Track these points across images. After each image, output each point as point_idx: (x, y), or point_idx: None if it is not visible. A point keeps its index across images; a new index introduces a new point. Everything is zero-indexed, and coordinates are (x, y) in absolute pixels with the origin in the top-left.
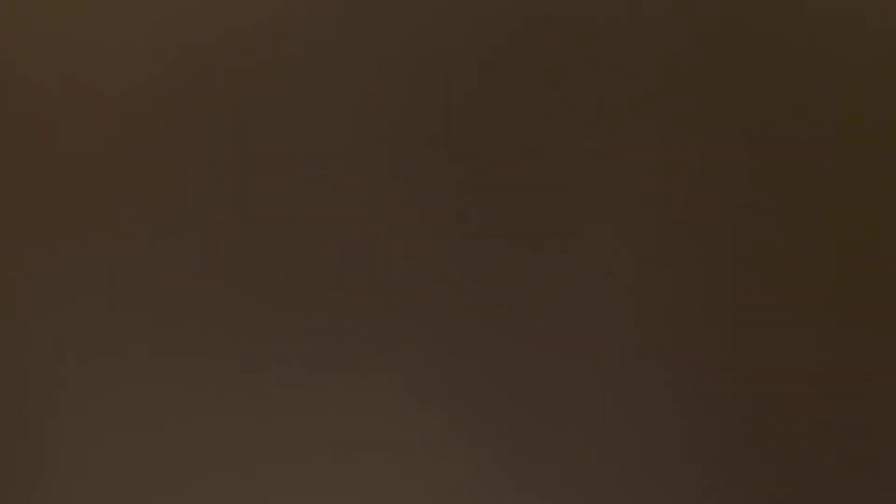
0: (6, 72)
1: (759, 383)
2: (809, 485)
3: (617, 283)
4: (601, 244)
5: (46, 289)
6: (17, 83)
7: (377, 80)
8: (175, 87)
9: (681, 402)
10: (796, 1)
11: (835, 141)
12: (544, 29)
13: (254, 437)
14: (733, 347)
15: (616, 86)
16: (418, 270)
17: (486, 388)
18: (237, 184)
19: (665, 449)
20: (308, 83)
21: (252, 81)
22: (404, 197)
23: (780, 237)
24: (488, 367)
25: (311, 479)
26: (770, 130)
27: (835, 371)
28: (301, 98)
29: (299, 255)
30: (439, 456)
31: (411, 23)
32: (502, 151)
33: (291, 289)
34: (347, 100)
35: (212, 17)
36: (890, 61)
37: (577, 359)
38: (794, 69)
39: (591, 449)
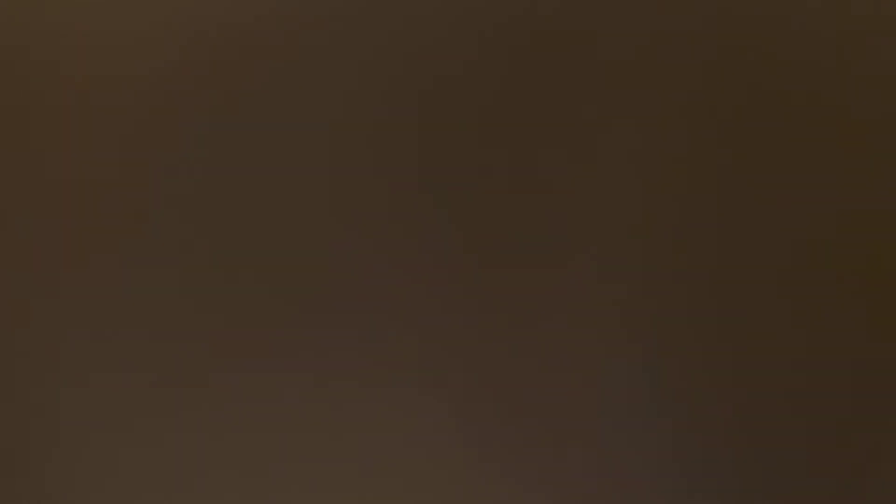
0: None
1: (749, 389)
2: (803, 489)
3: (609, 291)
4: (595, 253)
5: (42, 289)
6: (10, 79)
7: (373, 80)
8: (165, 85)
9: (674, 407)
10: (791, 4)
11: (826, 148)
12: (542, 33)
13: (252, 443)
14: (723, 355)
15: (609, 99)
16: (412, 280)
17: (482, 395)
18: (232, 185)
19: (659, 452)
20: (300, 83)
21: (243, 80)
22: (399, 206)
23: (770, 249)
24: (485, 374)
25: (308, 486)
26: (759, 145)
27: (826, 378)
28: (294, 98)
29: (297, 261)
30: (437, 461)
31: (404, 24)
32: (496, 159)
33: (289, 295)
34: (343, 102)
35: (201, 14)
36: (882, 61)
37: (572, 365)
38: (782, 77)
39: (588, 453)
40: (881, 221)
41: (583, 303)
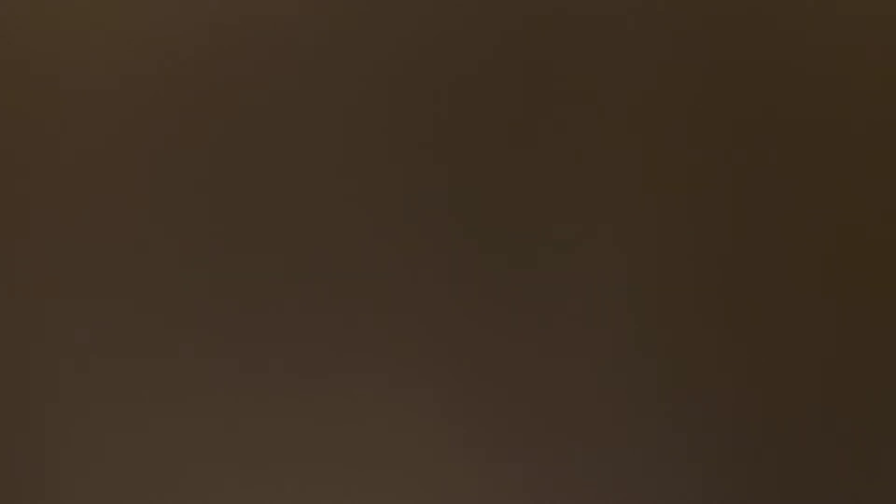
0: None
1: (756, 384)
2: (810, 487)
3: (614, 285)
4: (599, 246)
5: (43, 290)
6: (8, 83)
7: (373, 82)
8: (167, 87)
9: (678, 404)
10: (793, 2)
11: (830, 139)
12: (542, 31)
13: (253, 438)
14: (730, 349)
15: (613, 89)
16: (416, 272)
17: (484, 390)
18: (235, 184)
19: (662, 450)
20: (302, 83)
21: (245, 81)
22: (403, 198)
23: (778, 240)
24: (487, 368)
25: (309, 480)
26: (765, 133)
27: (834, 375)
28: (295, 98)
29: (298, 257)
30: (438, 457)
31: (416, 21)
32: (500, 154)
33: (290, 290)
34: (343, 103)
35: (203, 15)
36: (881, 63)
37: (575, 361)
38: (788, 68)
39: (590, 450)
40: (884, 221)
41: (586, 299)
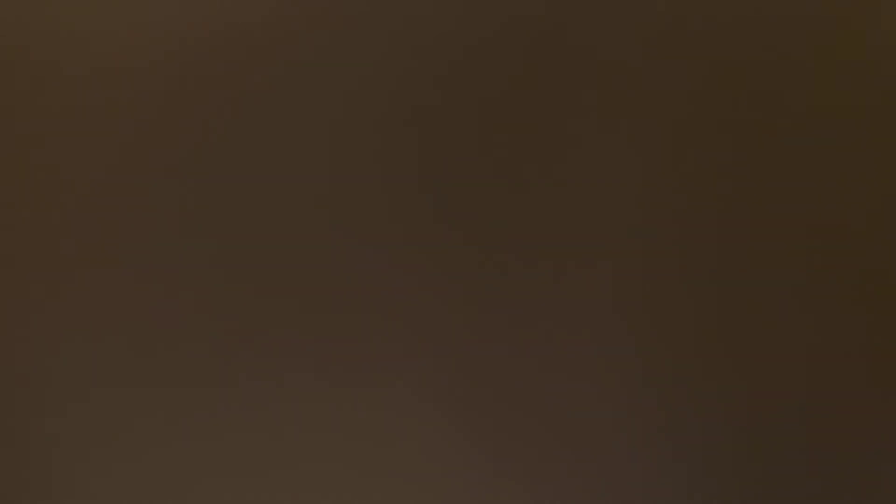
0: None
1: (750, 390)
2: (803, 490)
3: (609, 291)
4: (595, 252)
5: (40, 290)
6: (10, 79)
7: (373, 80)
8: (165, 86)
9: (676, 416)
10: (787, 5)
11: (824, 145)
12: (543, 34)
13: (259, 447)
14: (723, 355)
15: (611, 95)
16: (412, 278)
17: (481, 396)
18: (231, 185)
19: (660, 455)
20: (300, 83)
21: (243, 80)
22: (400, 201)
23: (771, 249)
24: (483, 375)
25: (314, 490)
26: (758, 144)
27: (827, 378)
28: (293, 98)
29: (296, 262)
30: (440, 466)
31: (405, 26)
32: (495, 160)
33: (287, 297)
34: (343, 102)
35: (200, 16)
36: (878, 62)
37: (573, 369)
38: (776, 78)
39: (590, 460)
40: (880, 221)
41: (582, 303)
